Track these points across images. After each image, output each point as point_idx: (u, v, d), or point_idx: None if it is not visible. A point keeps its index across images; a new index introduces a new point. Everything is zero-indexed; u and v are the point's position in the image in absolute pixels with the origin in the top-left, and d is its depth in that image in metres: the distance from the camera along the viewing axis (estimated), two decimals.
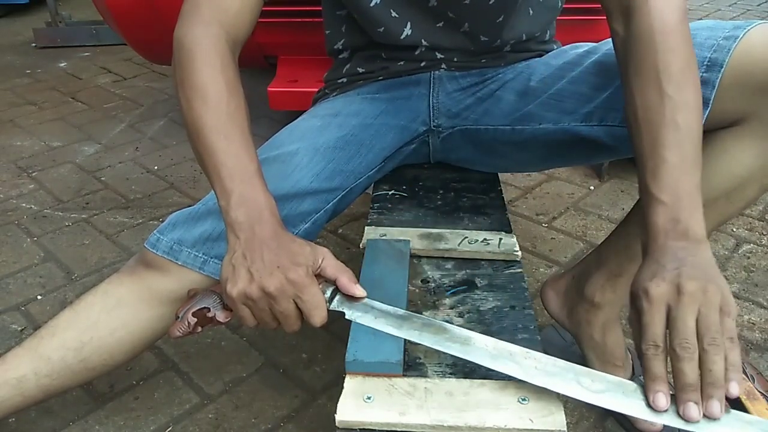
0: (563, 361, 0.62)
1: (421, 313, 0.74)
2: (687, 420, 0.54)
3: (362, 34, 0.95)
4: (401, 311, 0.67)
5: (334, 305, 0.66)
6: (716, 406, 0.54)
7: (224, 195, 0.68)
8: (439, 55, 0.96)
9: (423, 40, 0.92)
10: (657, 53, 0.67)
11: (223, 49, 0.75)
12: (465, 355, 0.62)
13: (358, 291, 0.66)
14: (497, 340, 0.64)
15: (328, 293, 0.66)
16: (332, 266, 0.66)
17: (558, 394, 0.60)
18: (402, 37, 0.91)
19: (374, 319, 0.66)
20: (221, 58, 0.74)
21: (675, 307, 0.56)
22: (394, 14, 0.89)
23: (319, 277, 0.66)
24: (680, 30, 0.68)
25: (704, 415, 0.54)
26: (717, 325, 0.55)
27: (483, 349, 0.63)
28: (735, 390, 0.54)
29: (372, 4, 0.88)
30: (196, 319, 0.69)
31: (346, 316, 0.66)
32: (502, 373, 0.62)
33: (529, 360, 0.62)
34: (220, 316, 0.69)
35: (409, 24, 0.90)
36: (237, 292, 0.64)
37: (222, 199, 0.68)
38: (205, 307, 0.69)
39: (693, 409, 0.54)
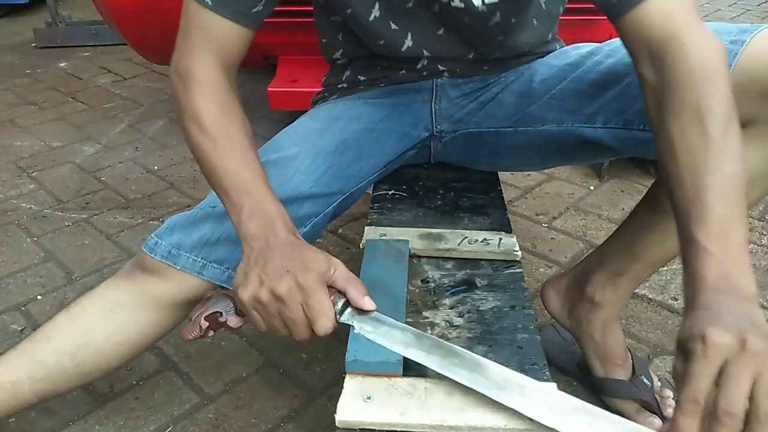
0: (577, 399, 0.58)
1: (420, 313, 0.74)
2: None
3: (362, 45, 0.92)
4: (411, 330, 0.65)
5: (344, 318, 0.65)
6: None
7: (234, 210, 0.70)
8: (441, 67, 0.94)
9: (424, 51, 0.90)
10: (701, 97, 0.63)
11: (215, 74, 0.78)
12: (472, 384, 0.60)
13: (368, 305, 0.65)
14: (508, 369, 0.61)
15: (339, 305, 0.65)
16: (343, 277, 0.65)
17: None
18: (403, 49, 0.89)
19: (382, 336, 0.65)
20: (214, 84, 0.77)
21: (733, 364, 0.49)
22: (393, 27, 0.87)
23: (332, 288, 0.65)
24: (722, 74, 0.64)
25: None
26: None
27: (491, 379, 0.60)
28: None
29: (371, 19, 0.85)
30: (208, 323, 0.70)
31: (355, 330, 0.65)
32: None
33: (539, 395, 0.58)
34: (232, 321, 0.69)
35: (409, 35, 0.88)
36: (248, 296, 0.64)
37: (233, 215, 0.70)
38: (217, 312, 0.69)
39: None
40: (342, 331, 0.67)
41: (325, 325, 0.64)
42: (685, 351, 0.53)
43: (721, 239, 0.57)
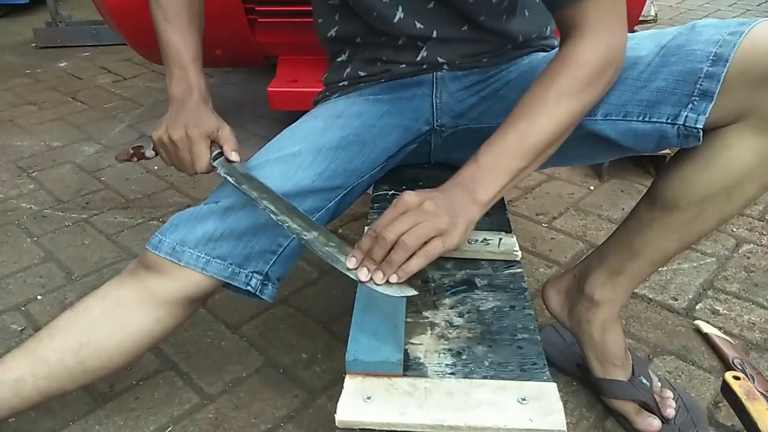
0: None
1: (420, 313, 0.74)
2: (358, 279, 0.68)
3: (356, 21, 0.95)
4: (259, 182, 0.81)
5: (216, 163, 0.85)
6: (378, 276, 0.67)
7: (168, 76, 0.90)
8: (440, 59, 0.95)
9: (416, 22, 0.92)
10: (562, 71, 0.75)
11: None
12: (282, 221, 0.75)
13: (232, 156, 0.85)
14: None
15: (214, 154, 0.86)
16: (224, 137, 0.86)
17: (558, 394, 0.60)
18: (395, 20, 0.91)
19: (236, 181, 0.82)
20: None
21: (406, 213, 0.69)
22: None
23: (215, 143, 0.86)
24: (591, 65, 0.75)
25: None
26: (419, 236, 0.67)
27: (304, 221, 0.75)
28: (394, 279, 0.67)
29: None
30: (133, 152, 0.94)
31: (218, 171, 0.85)
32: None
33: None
34: (148, 153, 0.93)
35: (400, 7, 0.90)
36: (156, 137, 0.88)
37: (167, 78, 0.91)
38: (140, 145, 0.94)
39: (363, 272, 0.68)
40: (342, 331, 0.67)
41: (200, 166, 0.86)
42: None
43: (492, 159, 0.74)
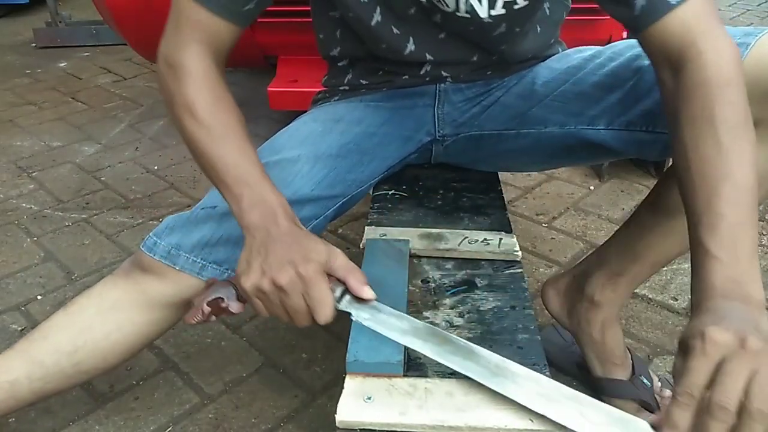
0: (569, 389, 0.59)
1: (421, 313, 0.74)
2: None
3: (361, 44, 0.91)
4: (408, 318, 0.66)
5: (342, 305, 0.66)
6: None
7: (235, 201, 0.70)
8: (444, 73, 0.94)
9: (427, 54, 0.90)
10: (714, 105, 0.64)
11: (206, 65, 0.77)
12: (465, 371, 0.61)
13: (366, 293, 0.66)
14: (503, 358, 0.62)
15: (338, 293, 0.66)
16: (343, 267, 0.66)
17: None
18: (405, 52, 0.88)
19: (379, 324, 0.66)
20: (206, 75, 0.77)
21: (730, 361, 0.50)
22: (396, 31, 0.86)
23: (332, 277, 0.66)
24: (737, 82, 0.65)
25: None
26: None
27: (484, 366, 0.61)
28: None
29: (373, 23, 0.85)
30: (210, 309, 0.71)
31: (353, 318, 0.66)
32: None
33: (531, 383, 0.59)
34: (234, 307, 0.70)
35: (411, 39, 0.87)
36: (250, 285, 0.65)
37: (233, 205, 0.71)
38: (219, 298, 0.70)
39: None
40: (342, 331, 0.67)
41: (325, 313, 0.65)
42: (685, 348, 0.54)
43: (730, 247, 0.58)
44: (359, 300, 0.66)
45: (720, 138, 0.62)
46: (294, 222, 0.69)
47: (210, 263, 0.81)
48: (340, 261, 0.66)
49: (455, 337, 0.64)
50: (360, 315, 0.66)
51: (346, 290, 0.67)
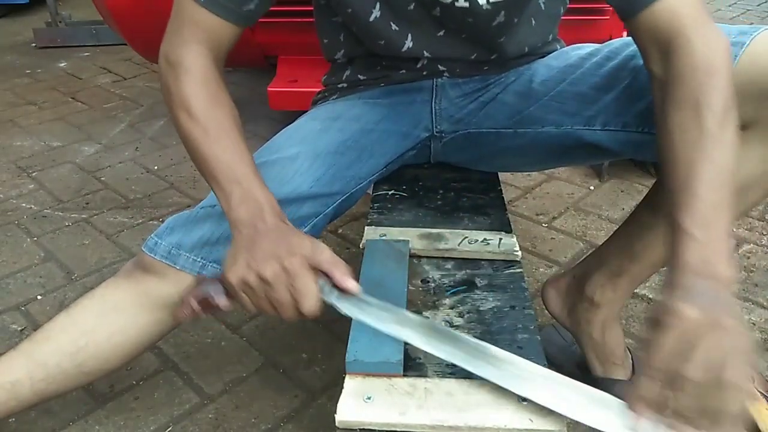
0: (546, 369, 0.62)
1: (420, 314, 0.74)
2: None
3: (363, 45, 0.93)
4: (394, 308, 0.67)
5: (327, 297, 0.67)
6: None
7: (224, 197, 0.72)
8: (441, 67, 0.94)
9: (425, 51, 0.90)
10: (701, 91, 0.66)
11: (205, 64, 0.78)
12: (450, 358, 0.62)
13: (350, 285, 0.67)
14: (487, 344, 0.64)
15: (324, 286, 0.67)
16: (328, 260, 0.67)
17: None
18: (403, 49, 0.89)
19: (366, 315, 0.67)
20: (203, 73, 0.78)
21: (700, 336, 0.53)
22: (394, 27, 0.87)
23: (317, 271, 0.67)
24: (724, 71, 0.67)
25: None
26: (739, 369, 0.52)
27: (469, 352, 0.63)
28: None
29: (372, 19, 0.86)
30: (199, 305, 0.72)
31: (339, 310, 0.67)
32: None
33: (508, 365, 0.61)
34: (222, 302, 0.71)
35: (409, 36, 0.88)
36: (236, 279, 0.66)
37: (223, 201, 0.72)
38: (207, 293, 0.72)
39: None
40: (342, 331, 0.67)
41: (310, 305, 0.65)
42: (656, 323, 0.57)
43: (705, 227, 0.61)
44: (345, 293, 0.67)
45: (704, 122, 0.64)
46: (281, 219, 0.71)
47: (210, 262, 0.82)
48: (325, 255, 0.67)
49: (441, 325, 0.66)
50: (346, 307, 0.67)
51: (333, 284, 0.68)
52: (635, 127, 0.83)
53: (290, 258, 0.65)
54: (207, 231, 0.82)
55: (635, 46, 0.78)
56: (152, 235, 0.84)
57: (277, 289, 0.65)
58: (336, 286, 0.67)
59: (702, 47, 0.67)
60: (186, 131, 0.76)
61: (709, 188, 0.63)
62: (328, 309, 0.67)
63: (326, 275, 0.67)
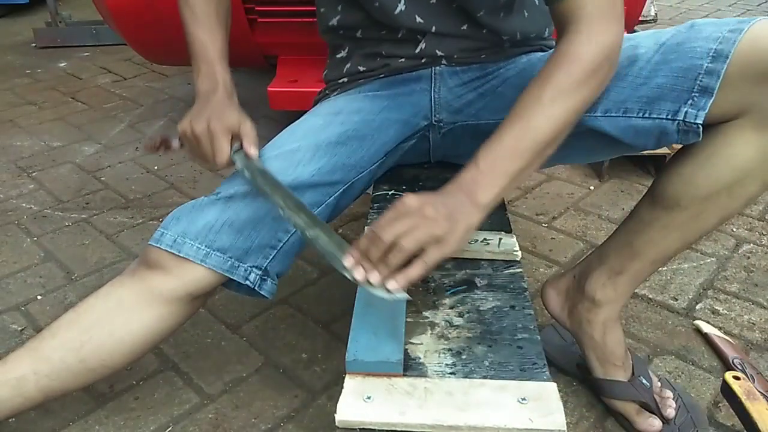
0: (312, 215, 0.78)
1: (421, 313, 0.74)
2: (354, 278, 0.69)
3: (358, 11, 0.95)
4: (278, 182, 0.82)
5: (234, 157, 0.86)
6: (374, 277, 0.67)
7: (196, 72, 0.93)
8: (439, 52, 0.96)
9: (417, 16, 0.92)
10: (555, 71, 0.75)
11: None
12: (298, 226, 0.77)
13: (252, 152, 0.86)
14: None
15: (236, 148, 0.87)
16: (245, 133, 0.87)
17: (558, 394, 0.60)
18: (396, 12, 0.91)
19: (250, 173, 0.83)
20: None
21: (406, 216, 0.68)
22: None
23: (237, 137, 0.87)
24: (588, 62, 0.74)
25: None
26: (416, 240, 0.66)
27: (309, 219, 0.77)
28: (392, 286, 0.66)
29: None
30: (160, 141, 0.95)
31: (236, 166, 0.86)
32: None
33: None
34: (174, 144, 0.94)
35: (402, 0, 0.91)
36: (180, 128, 0.88)
37: (194, 73, 0.93)
38: (167, 134, 0.95)
39: (359, 272, 0.68)
40: (342, 331, 0.67)
41: (220, 158, 0.86)
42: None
43: (491, 162, 0.73)
44: (248, 158, 0.86)
45: (541, 93, 0.74)
46: (229, 96, 0.90)
47: (214, 250, 0.83)
48: (245, 129, 0.87)
49: (306, 207, 0.79)
50: (241, 164, 0.85)
51: (241, 148, 0.87)
52: (636, 113, 0.83)
53: (216, 122, 0.85)
54: (212, 217, 0.84)
55: (634, 38, 0.82)
56: (159, 227, 0.86)
57: (201, 142, 0.86)
58: (244, 151, 0.87)
59: (582, 40, 0.75)
60: (182, 17, 0.95)
61: (512, 138, 0.74)
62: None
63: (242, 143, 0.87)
